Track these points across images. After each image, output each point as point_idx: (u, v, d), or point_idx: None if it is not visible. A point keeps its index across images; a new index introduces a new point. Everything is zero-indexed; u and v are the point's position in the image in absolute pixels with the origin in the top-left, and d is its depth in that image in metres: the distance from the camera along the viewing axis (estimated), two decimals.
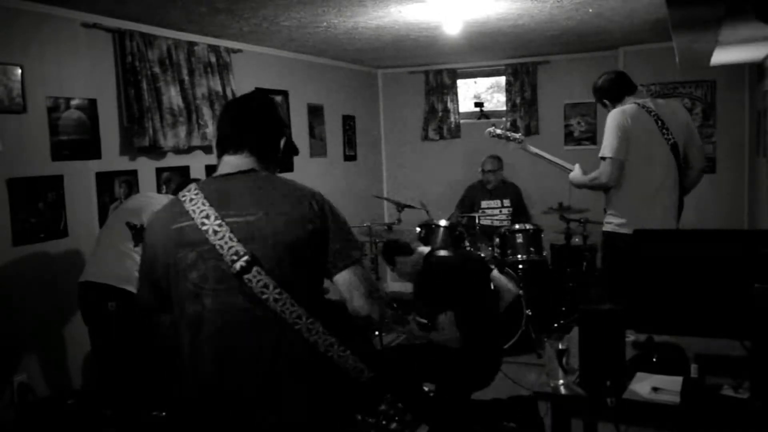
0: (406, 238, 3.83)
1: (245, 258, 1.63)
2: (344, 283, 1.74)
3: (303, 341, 1.66)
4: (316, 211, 1.72)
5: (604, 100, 3.73)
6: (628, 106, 3.57)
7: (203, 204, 1.70)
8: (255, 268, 1.63)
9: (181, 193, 1.77)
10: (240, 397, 1.67)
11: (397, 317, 3.71)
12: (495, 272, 4.15)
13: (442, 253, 3.68)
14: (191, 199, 1.72)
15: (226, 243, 1.65)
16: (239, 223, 1.67)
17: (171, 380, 1.81)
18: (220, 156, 1.83)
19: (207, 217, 1.68)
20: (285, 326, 1.65)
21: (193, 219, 1.69)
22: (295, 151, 1.97)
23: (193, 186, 1.78)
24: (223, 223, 1.67)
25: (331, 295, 1.82)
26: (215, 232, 1.66)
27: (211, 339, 1.68)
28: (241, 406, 1.67)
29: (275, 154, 1.86)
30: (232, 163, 1.79)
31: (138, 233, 3.07)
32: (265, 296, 1.64)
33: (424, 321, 3.55)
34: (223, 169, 1.80)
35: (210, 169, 4.80)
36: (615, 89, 3.68)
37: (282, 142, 1.87)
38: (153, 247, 1.77)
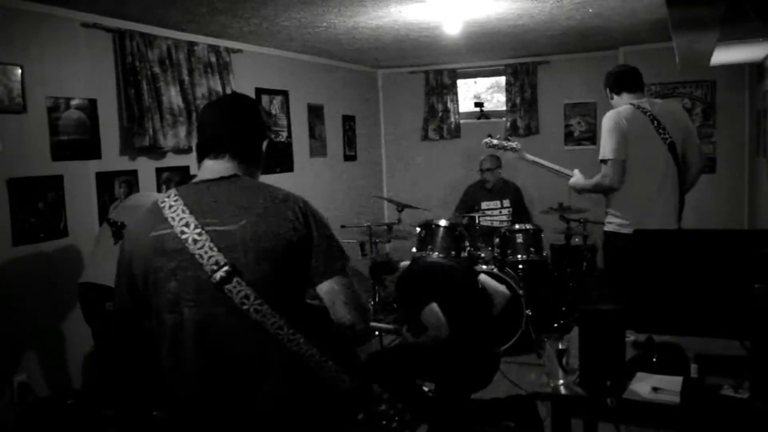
0: (396, 257, 3.99)
1: (225, 268, 1.59)
2: (327, 292, 1.70)
3: (284, 351, 1.63)
4: (300, 218, 1.67)
5: (607, 88, 3.76)
6: (622, 108, 3.58)
7: (183, 211, 1.65)
8: (235, 279, 1.59)
9: (160, 199, 1.72)
10: (220, 406, 1.65)
11: (390, 329, 3.74)
12: (483, 276, 4.17)
13: (427, 259, 3.76)
14: (170, 206, 1.67)
15: (206, 252, 1.61)
16: (220, 231, 1.63)
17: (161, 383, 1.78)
18: (200, 160, 1.78)
19: (187, 225, 1.63)
20: (266, 337, 1.62)
21: (172, 227, 1.65)
22: (280, 150, 1.94)
23: (172, 192, 1.72)
24: (203, 231, 1.62)
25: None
26: (195, 241, 1.62)
27: (191, 349, 1.65)
28: (222, 416, 1.66)
29: (258, 157, 1.80)
30: (214, 168, 1.74)
31: (119, 230, 3.03)
32: (245, 307, 1.60)
33: (412, 335, 3.58)
34: (203, 175, 1.75)
35: None
36: (618, 80, 3.70)
37: (264, 145, 1.82)
38: (131, 254, 1.72)
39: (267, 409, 1.65)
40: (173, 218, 1.65)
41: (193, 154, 5.15)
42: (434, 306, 3.38)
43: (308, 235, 1.68)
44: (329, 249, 1.71)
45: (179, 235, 1.63)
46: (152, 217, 1.70)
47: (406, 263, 3.82)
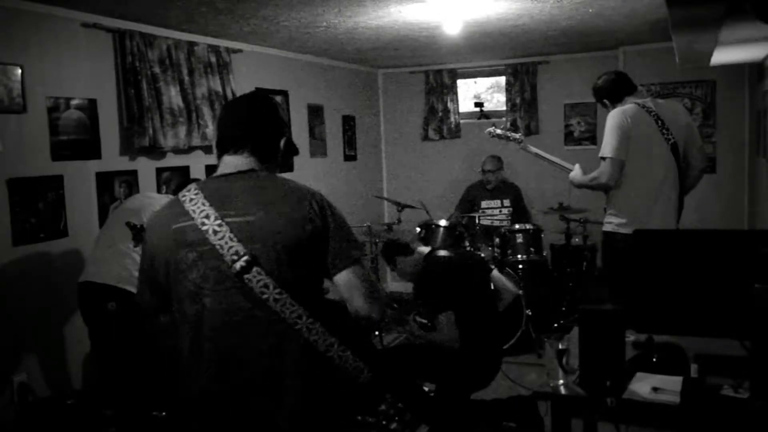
0: (406, 238, 3.84)
1: (245, 258, 1.63)
2: (344, 283, 1.74)
3: (303, 341, 1.66)
4: (316, 210, 1.71)
5: (605, 100, 3.74)
6: (628, 106, 3.58)
7: (203, 204, 1.70)
8: (255, 268, 1.63)
9: (180, 193, 1.77)
10: (239, 396, 1.67)
11: (397, 317, 3.72)
12: (495, 272, 4.16)
13: (443, 253, 3.67)
14: (191, 199, 1.72)
15: (226, 243, 1.65)
16: (239, 223, 1.67)
17: (171, 380, 1.79)
18: (220, 156, 1.83)
19: (207, 217, 1.68)
20: (285, 326, 1.65)
21: (193, 219, 1.69)
22: (295, 151, 1.97)
23: (192, 186, 1.78)
24: (223, 223, 1.67)
25: (332, 295, 1.82)
26: (215, 232, 1.66)
27: (212, 339, 1.68)
28: (241, 406, 1.67)
29: (275, 154, 1.86)
30: (232, 163, 1.79)
31: (138, 233, 3.08)
32: (265, 296, 1.64)
33: (425, 321, 3.55)
34: (223, 170, 1.80)
35: (210, 169, 4.80)
36: (615, 89, 3.69)
37: (282, 142, 1.87)
38: (153, 248, 1.77)
39: (285, 398, 1.67)
40: (194, 210, 1.70)
41: (193, 154, 5.19)
42: (451, 315, 3.35)
43: (324, 227, 1.72)
44: (345, 240, 1.75)
45: (200, 226, 1.68)
46: (173, 211, 1.75)
47: (422, 249, 3.71)
